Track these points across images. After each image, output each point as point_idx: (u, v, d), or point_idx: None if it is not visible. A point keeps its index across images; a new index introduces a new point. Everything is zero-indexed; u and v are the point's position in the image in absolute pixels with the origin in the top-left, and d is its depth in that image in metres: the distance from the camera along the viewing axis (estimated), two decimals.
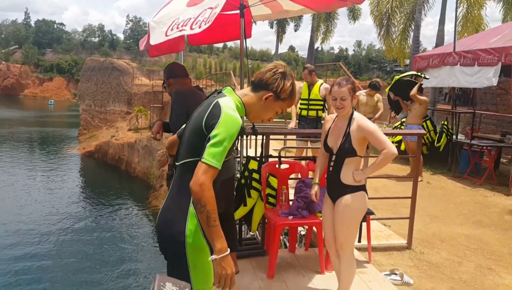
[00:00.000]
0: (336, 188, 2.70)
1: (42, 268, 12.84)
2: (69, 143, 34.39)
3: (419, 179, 6.98)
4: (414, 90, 6.79)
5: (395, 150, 2.55)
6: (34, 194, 20.39)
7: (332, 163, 2.71)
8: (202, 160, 1.66)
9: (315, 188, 2.90)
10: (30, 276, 12.29)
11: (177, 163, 1.88)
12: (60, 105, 63.15)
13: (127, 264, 13.61)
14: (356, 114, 2.66)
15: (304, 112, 5.92)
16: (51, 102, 63.85)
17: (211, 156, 1.66)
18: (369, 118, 6.80)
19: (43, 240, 14.85)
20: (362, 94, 7.41)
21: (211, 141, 1.67)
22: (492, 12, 59.80)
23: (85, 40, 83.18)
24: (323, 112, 5.89)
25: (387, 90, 7.81)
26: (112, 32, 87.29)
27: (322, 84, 5.89)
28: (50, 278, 12.29)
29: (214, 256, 1.67)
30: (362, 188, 2.68)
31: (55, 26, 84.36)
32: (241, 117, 1.81)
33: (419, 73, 7.40)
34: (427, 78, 7.42)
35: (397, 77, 7.66)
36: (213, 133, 1.68)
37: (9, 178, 23.01)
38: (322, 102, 5.83)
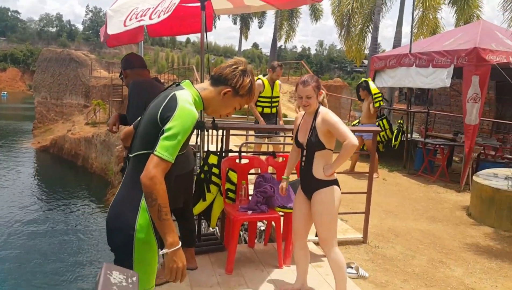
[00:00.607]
0: (309, 183, 2.75)
1: None
2: (23, 137, 32.90)
3: (375, 176, 7.19)
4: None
5: (355, 141, 2.58)
6: None
7: (303, 159, 2.77)
8: (155, 152, 1.63)
9: (284, 183, 2.98)
10: None
11: (130, 155, 1.83)
12: (14, 97, 60.21)
13: (81, 258, 13.35)
14: (321, 108, 2.74)
15: (267, 110, 5.90)
16: (3, 93, 60.70)
17: (164, 149, 1.63)
18: None
19: None
20: None
21: (165, 134, 1.64)
22: (447, 16, 62.53)
23: (41, 29, 79.91)
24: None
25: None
26: (70, 22, 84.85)
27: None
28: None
29: (165, 250, 1.64)
30: (335, 182, 2.73)
31: (9, 13, 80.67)
32: (200, 111, 1.78)
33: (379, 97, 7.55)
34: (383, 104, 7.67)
35: (369, 79, 7.70)
36: (167, 126, 1.65)
37: None
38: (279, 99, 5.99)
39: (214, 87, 1.86)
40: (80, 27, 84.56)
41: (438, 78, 7.03)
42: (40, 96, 32.77)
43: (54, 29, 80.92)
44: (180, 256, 1.67)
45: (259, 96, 5.81)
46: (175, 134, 1.64)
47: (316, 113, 2.72)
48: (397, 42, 13.22)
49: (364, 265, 3.69)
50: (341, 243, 4.10)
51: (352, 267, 3.49)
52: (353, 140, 2.58)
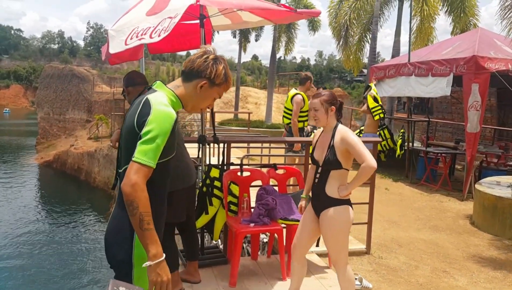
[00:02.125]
0: (321, 200, 2.69)
1: None
2: (26, 153, 33.04)
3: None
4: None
5: (374, 164, 2.53)
6: None
7: (318, 175, 2.72)
8: (133, 159, 1.57)
9: (303, 202, 2.94)
10: None
11: (119, 171, 1.79)
12: (17, 113, 60.52)
13: (84, 275, 13.27)
14: (340, 127, 2.68)
15: (306, 124, 5.78)
16: (6, 110, 61.00)
17: (142, 153, 1.57)
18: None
19: None
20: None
21: (142, 139, 1.59)
22: (445, 24, 62.88)
23: (43, 46, 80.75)
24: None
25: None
26: (72, 39, 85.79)
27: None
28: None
29: (148, 263, 1.57)
30: (347, 201, 2.67)
31: (12, 32, 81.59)
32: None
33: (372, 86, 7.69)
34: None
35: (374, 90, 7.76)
36: (144, 130, 1.60)
37: None
38: None
39: (188, 82, 1.78)
40: (82, 43, 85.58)
41: (438, 86, 7.07)
42: (43, 112, 32.98)
43: (56, 46, 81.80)
44: (164, 268, 1.59)
45: (301, 111, 5.65)
46: (153, 138, 1.59)
47: (334, 131, 2.66)
48: (395, 52, 13.30)
49: (368, 276, 3.68)
50: None
51: (356, 278, 3.47)
52: (372, 162, 2.52)
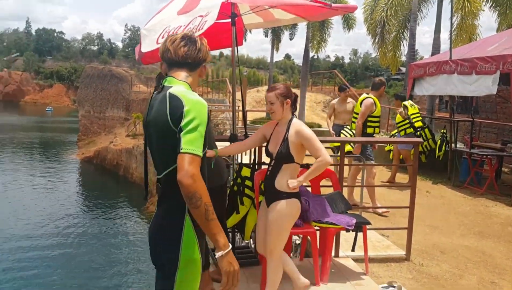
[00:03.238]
0: (270, 193, 2.73)
1: (37, 272, 13.00)
2: (68, 149, 34.65)
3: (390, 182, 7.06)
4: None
5: (329, 159, 2.58)
6: (33, 198, 20.75)
7: (270, 168, 2.75)
8: (182, 150, 1.53)
9: (211, 152, 2.77)
10: (27, 279, 12.47)
11: (159, 177, 1.74)
12: (59, 111, 63.28)
13: (125, 265, 13.86)
14: (294, 120, 2.70)
15: (377, 130, 5.60)
16: (49, 108, 63.83)
17: (190, 143, 1.54)
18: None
19: (40, 244, 15.05)
20: (335, 102, 7.29)
21: (185, 130, 1.56)
22: (488, 21, 60.14)
23: (84, 48, 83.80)
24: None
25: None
26: (111, 41, 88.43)
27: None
28: (45, 281, 12.41)
29: (220, 253, 1.53)
30: (296, 195, 2.69)
31: (55, 34, 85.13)
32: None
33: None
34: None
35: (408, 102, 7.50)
36: (184, 122, 1.57)
37: (10, 181, 23.39)
38: None
39: (194, 71, 1.84)
40: (120, 45, 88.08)
41: (483, 85, 6.66)
42: (84, 110, 34.34)
43: (95, 48, 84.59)
44: (233, 257, 1.58)
45: (372, 116, 5.43)
46: (196, 126, 1.57)
47: (289, 124, 2.67)
48: (435, 49, 12.76)
49: (407, 285, 3.47)
50: (383, 260, 3.90)
51: (394, 286, 3.28)
52: (328, 157, 2.56)
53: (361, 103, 5.47)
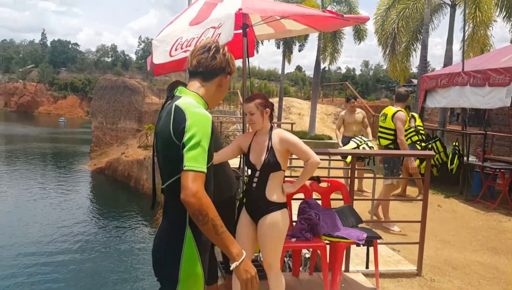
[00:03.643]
0: (260, 206, 2.64)
1: (47, 278, 13.29)
2: (80, 159, 35.11)
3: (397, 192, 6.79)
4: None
5: (318, 159, 2.61)
6: (45, 207, 21.09)
7: (255, 180, 2.66)
8: (185, 168, 1.52)
9: None
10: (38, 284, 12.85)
11: (162, 187, 1.75)
12: (72, 122, 64.21)
13: (129, 276, 13.98)
14: (275, 129, 2.70)
15: (408, 141, 5.64)
16: (62, 119, 64.78)
17: (193, 160, 1.52)
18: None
19: (50, 252, 15.33)
20: (344, 113, 7.24)
21: (187, 146, 1.54)
22: (502, 32, 59.35)
23: (98, 60, 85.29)
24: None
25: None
26: (124, 52, 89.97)
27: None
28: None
29: (235, 264, 1.53)
30: (285, 205, 2.67)
31: (70, 46, 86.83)
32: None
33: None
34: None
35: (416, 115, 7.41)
36: (186, 137, 1.55)
37: (23, 190, 23.82)
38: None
39: (209, 81, 1.78)
40: (134, 56, 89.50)
41: (496, 97, 6.60)
42: (97, 121, 34.82)
43: (109, 59, 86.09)
44: (249, 264, 1.57)
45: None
46: (198, 142, 1.55)
47: (270, 133, 2.66)
48: (448, 61, 12.67)
49: None
50: (393, 275, 3.85)
51: None
52: (316, 157, 2.59)
53: (392, 117, 5.24)
